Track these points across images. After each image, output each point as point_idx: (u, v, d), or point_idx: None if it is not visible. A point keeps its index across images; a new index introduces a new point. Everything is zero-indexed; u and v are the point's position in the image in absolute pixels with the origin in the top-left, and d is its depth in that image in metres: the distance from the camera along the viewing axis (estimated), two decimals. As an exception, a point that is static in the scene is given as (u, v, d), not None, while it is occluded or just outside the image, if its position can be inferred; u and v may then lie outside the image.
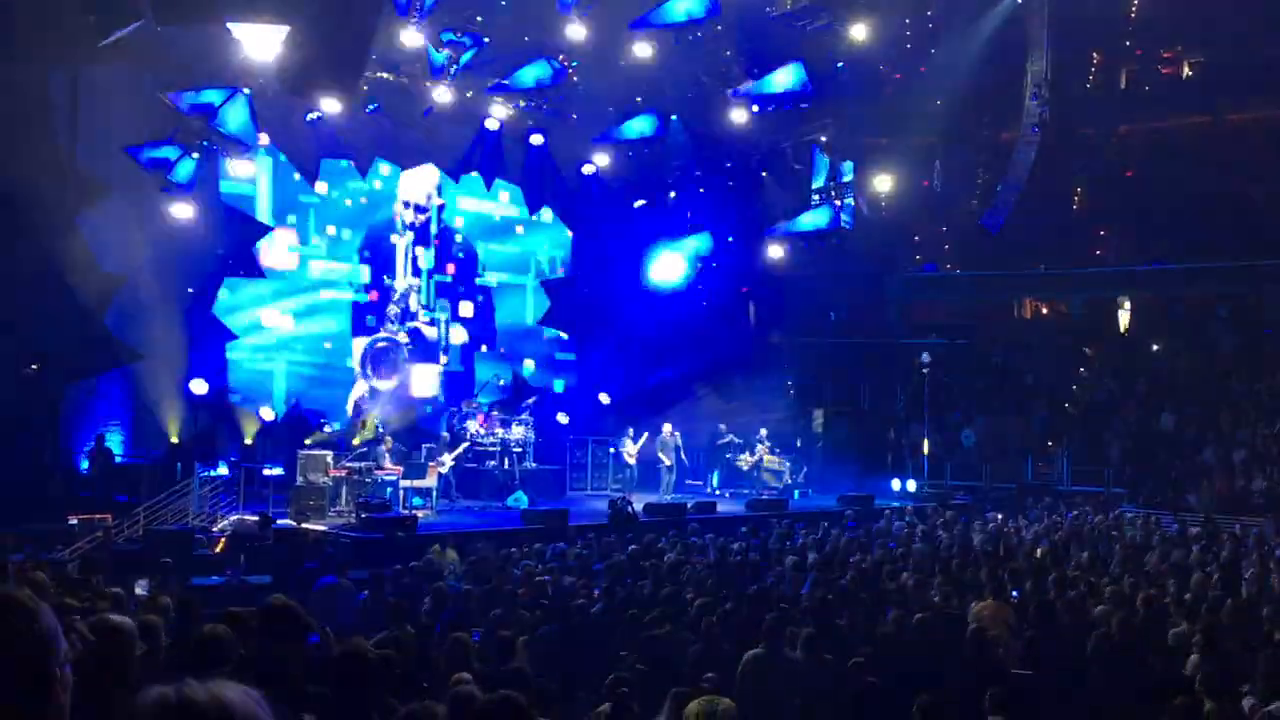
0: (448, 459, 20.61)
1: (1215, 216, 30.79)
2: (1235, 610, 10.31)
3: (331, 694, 4.53)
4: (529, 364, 26.99)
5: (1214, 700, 6.90)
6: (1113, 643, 9.19)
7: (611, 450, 23.92)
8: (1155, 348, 30.60)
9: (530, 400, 23.77)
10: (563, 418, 25.64)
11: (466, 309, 25.84)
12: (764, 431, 24.34)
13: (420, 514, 17.94)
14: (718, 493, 23.72)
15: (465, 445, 21.18)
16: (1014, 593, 11.44)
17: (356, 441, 20.49)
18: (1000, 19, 29.35)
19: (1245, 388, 26.55)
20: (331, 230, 23.95)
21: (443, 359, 25.24)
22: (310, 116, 21.55)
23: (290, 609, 4.40)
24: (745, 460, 23.93)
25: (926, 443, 26.94)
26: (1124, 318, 33.63)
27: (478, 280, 26.20)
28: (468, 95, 22.45)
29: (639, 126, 24.27)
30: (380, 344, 23.97)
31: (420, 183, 25.01)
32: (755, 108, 23.22)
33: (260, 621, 4.45)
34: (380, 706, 4.92)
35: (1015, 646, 9.55)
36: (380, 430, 20.32)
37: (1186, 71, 33.90)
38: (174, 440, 20.71)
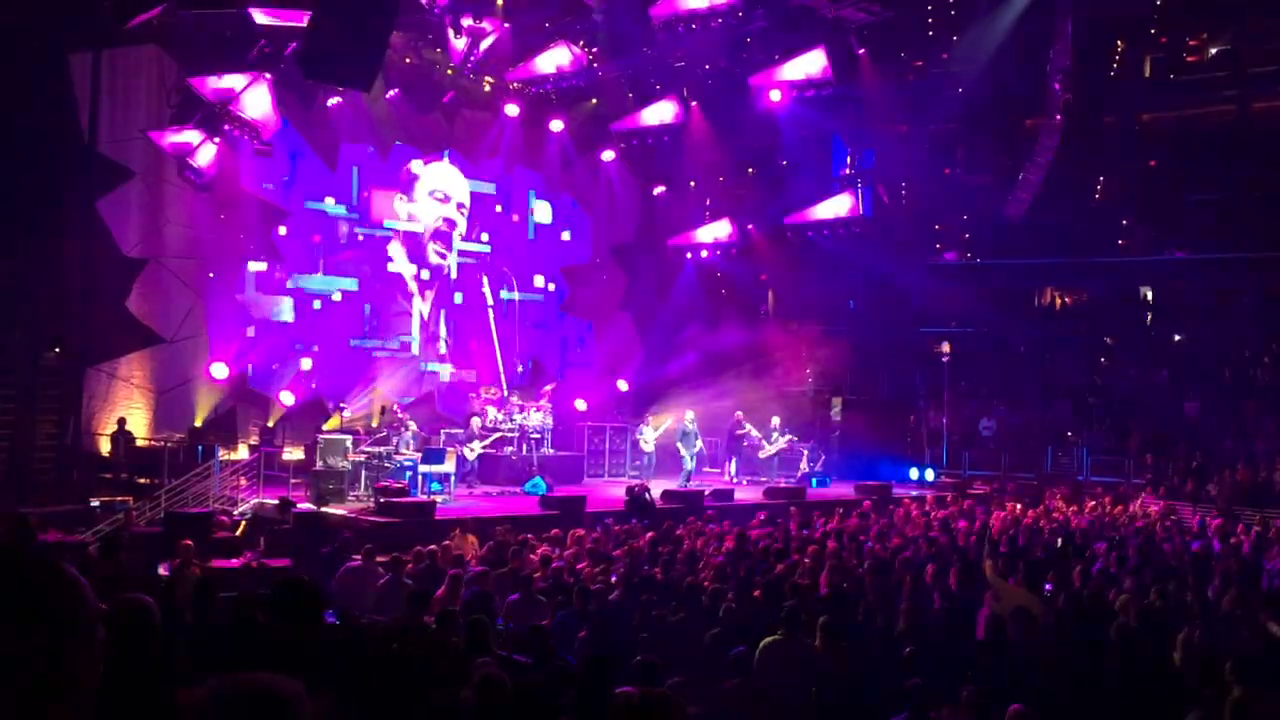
0: (477, 446, 20.70)
1: (1239, 206, 30.54)
2: (1257, 602, 10.27)
3: (350, 675, 4.55)
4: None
5: (1241, 688, 6.86)
6: (1131, 633, 9.17)
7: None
8: (1177, 338, 30.38)
9: (549, 386, 23.80)
10: (581, 404, 25.68)
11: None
12: (777, 420, 24.27)
13: (438, 499, 17.99)
14: (735, 480, 23.72)
15: (496, 435, 21.25)
16: (1047, 586, 11.42)
17: (374, 424, 20.60)
18: (1023, 6, 29.09)
19: (1268, 378, 26.36)
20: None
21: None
22: (331, 102, 21.60)
23: (302, 584, 4.40)
24: (766, 450, 23.95)
25: (945, 431, 26.85)
26: (1145, 307, 33.40)
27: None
28: (487, 81, 22.44)
29: (659, 113, 24.21)
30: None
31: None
32: (776, 94, 23.12)
33: (273, 598, 4.45)
34: (400, 688, 4.95)
35: (1037, 636, 9.53)
36: (400, 414, 20.37)
37: (1211, 59, 33.53)
38: (195, 423, 20.85)
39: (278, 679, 1.82)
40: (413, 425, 19.71)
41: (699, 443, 22.84)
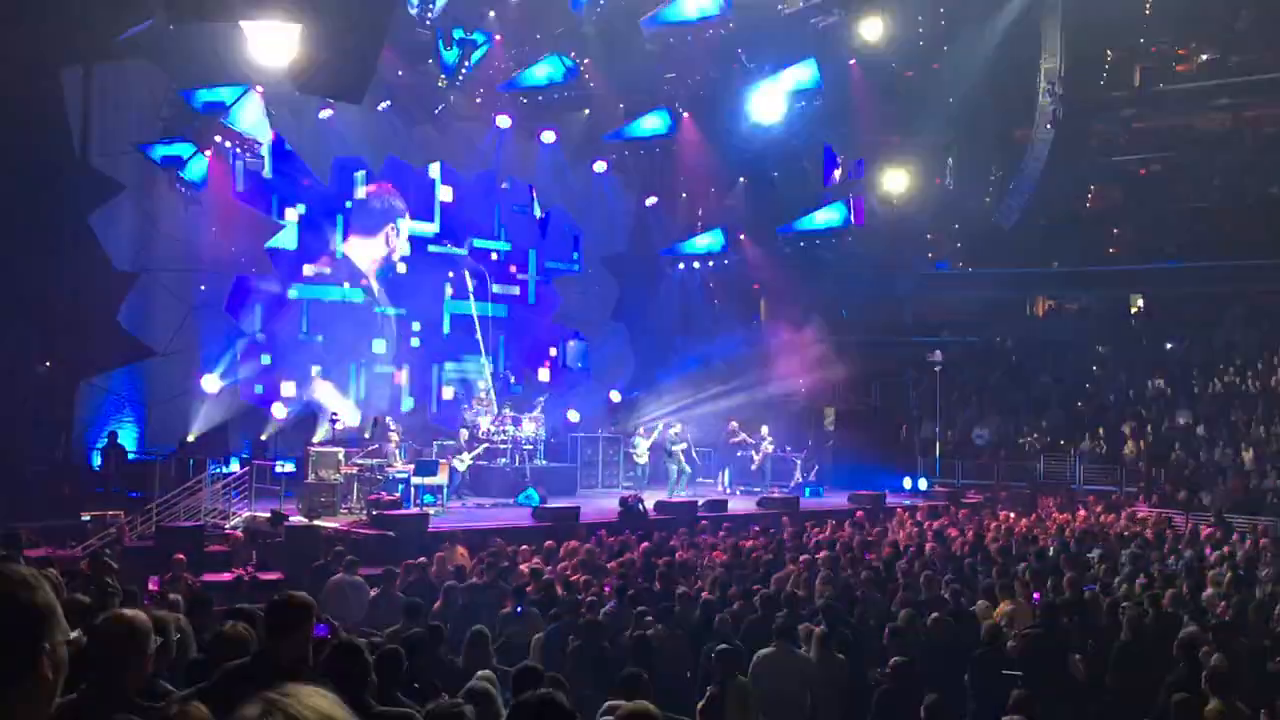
0: (467, 457, 20.66)
1: (1229, 213, 30.67)
2: (1251, 610, 10.27)
3: (337, 689, 4.51)
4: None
5: (1222, 700, 6.86)
6: (1125, 642, 9.16)
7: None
8: (1169, 345, 30.46)
9: (541, 398, 23.77)
10: (573, 415, 25.64)
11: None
12: (765, 429, 24.26)
13: (431, 511, 17.93)
14: (729, 491, 23.69)
15: (484, 446, 21.21)
16: (1035, 596, 11.41)
17: (367, 436, 20.53)
18: (1014, 16, 29.22)
19: (1260, 386, 26.42)
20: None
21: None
22: (322, 115, 21.58)
23: (297, 600, 4.40)
24: (756, 460, 23.95)
25: (938, 440, 26.87)
26: (1137, 315, 33.49)
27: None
28: (479, 93, 22.45)
29: (650, 124, 24.26)
30: None
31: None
32: (767, 105, 23.19)
33: (268, 614, 4.45)
34: (388, 702, 4.92)
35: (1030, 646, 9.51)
36: (392, 427, 20.30)
37: (1200, 69, 33.69)
38: (187, 437, 20.78)
39: (324, 696, 1.81)
40: (394, 437, 19.64)
41: (682, 456, 22.78)
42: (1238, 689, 7.06)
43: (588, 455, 24.25)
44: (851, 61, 23.19)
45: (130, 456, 19.98)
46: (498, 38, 21.26)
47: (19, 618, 1.87)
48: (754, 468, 23.98)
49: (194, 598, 8.64)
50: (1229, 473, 23.24)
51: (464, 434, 21.30)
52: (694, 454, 23.25)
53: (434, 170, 25.28)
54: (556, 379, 27.46)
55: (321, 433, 21.41)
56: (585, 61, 22.30)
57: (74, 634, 2.05)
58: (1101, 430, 26.98)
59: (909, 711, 7.11)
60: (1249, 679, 7.99)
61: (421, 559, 12.65)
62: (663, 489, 22.07)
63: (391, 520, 16.40)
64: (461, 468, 20.52)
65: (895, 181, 25.84)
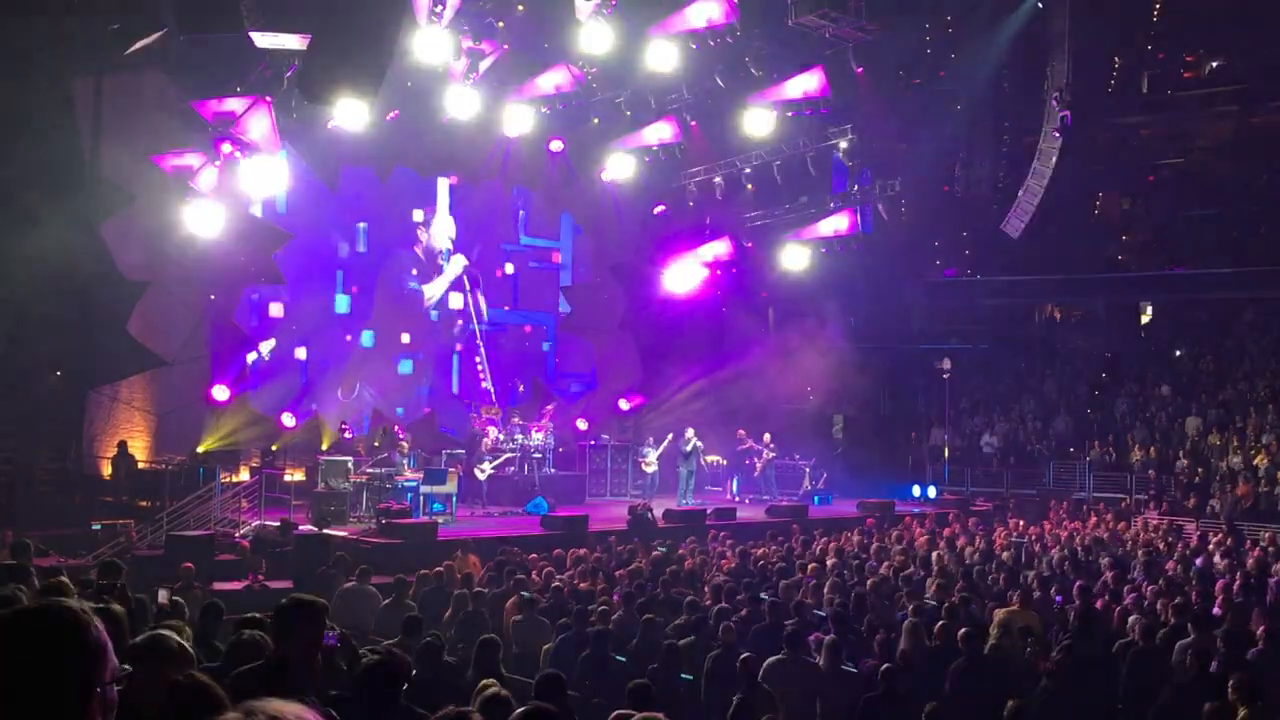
0: (488, 466, 20.72)
1: (1239, 219, 30.59)
2: (1261, 617, 10.25)
3: (355, 698, 4.54)
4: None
5: (1248, 707, 6.84)
6: (1137, 649, 9.15)
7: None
8: (1178, 352, 30.39)
9: (550, 406, 23.79)
10: (582, 423, 25.65)
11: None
12: (767, 437, 24.24)
13: (440, 520, 17.96)
14: (737, 499, 23.67)
15: (507, 455, 21.24)
16: (1058, 599, 11.42)
17: (377, 444, 20.57)
18: (1021, 23, 29.22)
19: (1270, 392, 26.32)
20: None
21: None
22: (330, 124, 21.63)
23: (301, 603, 4.42)
24: (758, 466, 23.95)
25: (947, 448, 26.80)
26: (1146, 322, 33.42)
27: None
28: (487, 102, 22.49)
29: (658, 132, 24.27)
30: None
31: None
32: (775, 113, 23.19)
33: (275, 618, 4.47)
34: (403, 711, 4.94)
35: (1040, 653, 9.50)
36: (401, 436, 20.33)
37: (1209, 74, 33.65)
38: (197, 447, 20.82)
39: (292, 707, 1.82)
40: (404, 446, 19.67)
41: (702, 460, 22.81)
42: (1265, 696, 7.04)
43: (596, 464, 24.27)
44: (859, 70, 23.15)
45: (140, 465, 20.03)
46: (505, 47, 21.28)
47: (68, 658, 1.78)
48: (756, 475, 23.98)
49: (205, 606, 8.65)
50: (1239, 480, 23.15)
51: (485, 442, 21.28)
52: (704, 461, 23.27)
53: (441, 181, 25.47)
54: (564, 388, 27.51)
55: (328, 441, 21.46)
56: (594, 70, 22.33)
57: (124, 668, 1.98)
58: (1111, 438, 26.92)
59: (894, 717, 7.13)
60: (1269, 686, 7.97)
61: (437, 568, 12.67)
62: (671, 498, 22.09)
63: (401, 529, 16.45)
64: (482, 477, 20.63)
65: (903, 189, 25.79)
